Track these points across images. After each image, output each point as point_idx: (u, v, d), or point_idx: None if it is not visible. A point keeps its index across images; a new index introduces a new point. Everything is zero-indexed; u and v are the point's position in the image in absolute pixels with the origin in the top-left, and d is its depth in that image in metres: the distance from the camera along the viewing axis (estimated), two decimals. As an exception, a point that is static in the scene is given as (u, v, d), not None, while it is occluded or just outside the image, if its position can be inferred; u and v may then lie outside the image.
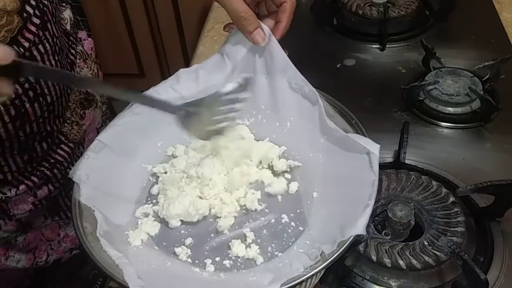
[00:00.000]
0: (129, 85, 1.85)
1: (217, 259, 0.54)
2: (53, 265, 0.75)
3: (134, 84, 1.84)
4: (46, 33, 0.61)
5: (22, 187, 0.65)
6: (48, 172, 0.68)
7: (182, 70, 0.67)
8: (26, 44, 0.58)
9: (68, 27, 0.72)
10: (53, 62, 0.63)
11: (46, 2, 0.61)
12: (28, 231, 0.71)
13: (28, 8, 0.58)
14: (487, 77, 0.84)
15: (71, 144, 0.71)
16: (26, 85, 0.60)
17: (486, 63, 0.85)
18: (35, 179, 0.67)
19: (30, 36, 0.58)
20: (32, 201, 0.67)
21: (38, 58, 0.60)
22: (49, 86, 0.63)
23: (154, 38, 2.07)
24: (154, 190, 0.61)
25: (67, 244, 0.76)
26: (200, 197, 0.58)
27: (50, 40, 0.62)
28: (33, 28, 0.59)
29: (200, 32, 1.08)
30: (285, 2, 0.58)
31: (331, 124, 0.60)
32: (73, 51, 0.72)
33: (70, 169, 0.70)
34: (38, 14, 0.59)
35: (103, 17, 1.98)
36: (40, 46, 0.61)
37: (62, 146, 0.70)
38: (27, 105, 0.61)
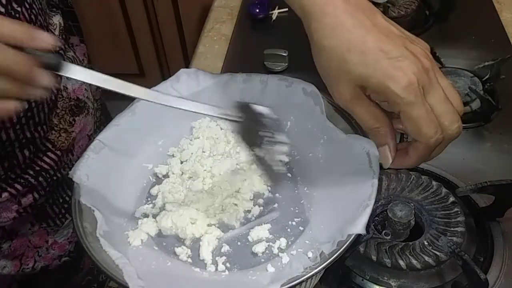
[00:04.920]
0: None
1: (217, 259, 0.54)
2: (41, 271, 0.73)
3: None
4: None
5: (4, 194, 0.63)
6: (32, 180, 0.66)
7: (182, 70, 0.67)
8: None
9: (56, 32, 0.70)
10: None
11: (19, 9, 0.58)
12: (14, 238, 0.69)
13: None
14: (487, 77, 0.84)
15: (58, 152, 0.69)
16: None
17: (486, 63, 0.85)
18: (18, 186, 0.64)
19: None
20: (16, 209, 0.65)
21: None
22: None
23: (154, 38, 2.07)
24: (154, 190, 0.61)
25: (56, 251, 0.75)
26: (195, 219, 0.56)
27: None
28: None
29: (200, 32, 1.08)
30: (419, 142, 0.47)
31: (331, 125, 0.60)
32: None
33: (57, 177, 0.69)
34: None
35: (103, 17, 1.98)
36: None
37: (49, 153, 0.68)
38: None
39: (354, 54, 0.46)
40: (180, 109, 0.49)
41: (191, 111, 0.50)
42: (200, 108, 0.50)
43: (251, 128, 0.52)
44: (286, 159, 0.54)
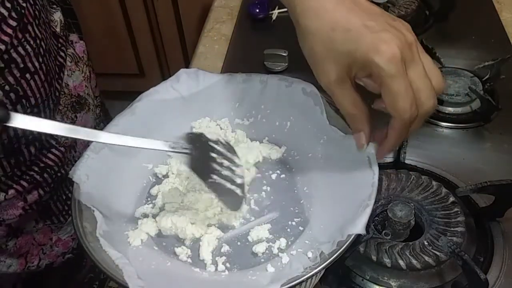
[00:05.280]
0: (129, 85, 1.84)
1: (217, 259, 0.54)
2: (46, 269, 0.74)
3: (134, 84, 1.84)
4: (27, 35, 0.60)
5: (11, 191, 0.64)
6: (38, 177, 0.66)
7: (182, 70, 0.67)
8: (3, 47, 0.57)
9: (57, 29, 0.70)
10: (36, 64, 0.61)
11: (24, 4, 0.59)
12: (19, 236, 0.70)
13: (2, 10, 0.56)
14: (487, 77, 0.84)
15: (62, 148, 0.70)
16: (7, 87, 0.58)
17: (486, 63, 0.85)
18: (24, 183, 0.65)
19: (6, 39, 0.57)
20: (22, 206, 0.66)
21: (19, 60, 0.59)
22: (33, 88, 0.62)
23: (154, 38, 2.07)
24: (154, 191, 0.61)
25: (60, 248, 0.75)
26: (195, 219, 0.57)
27: (32, 42, 0.60)
28: (9, 31, 0.57)
29: (200, 32, 1.08)
30: (394, 118, 0.48)
31: (331, 125, 0.60)
32: (62, 54, 0.71)
33: (61, 173, 0.69)
34: (15, 16, 0.57)
35: (103, 17, 1.98)
36: (20, 48, 0.59)
37: (53, 150, 0.69)
38: (10, 107, 0.59)
39: (339, 32, 0.47)
40: (133, 147, 0.52)
41: (142, 148, 0.52)
42: (151, 144, 0.52)
43: (204, 158, 0.53)
44: (240, 181, 0.54)
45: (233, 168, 0.54)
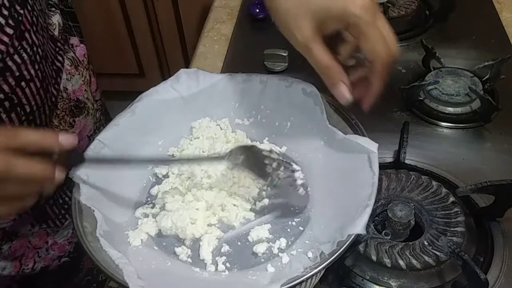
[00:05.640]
0: (129, 85, 1.83)
1: (217, 259, 0.54)
2: (41, 272, 0.73)
3: (134, 84, 1.84)
4: (24, 42, 0.58)
5: None
6: None
7: (182, 70, 0.67)
8: None
9: (56, 32, 0.69)
10: (32, 71, 0.60)
11: (22, 11, 0.58)
12: (14, 239, 0.69)
13: None
14: (487, 77, 0.84)
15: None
16: (1, 96, 0.57)
17: (486, 63, 0.85)
18: None
19: (2, 47, 0.56)
20: None
21: (14, 68, 0.58)
22: (28, 96, 0.61)
23: (154, 38, 2.07)
24: (154, 191, 0.61)
25: (55, 252, 0.74)
26: (195, 219, 0.57)
27: (29, 50, 0.59)
28: (5, 39, 0.56)
29: (200, 32, 1.08)
30: (374, 62, 0.52)
31: (331, 125, 0.60)
32: (60, 58, 0.70)
33: None
34: (12, 24, 0.56)
35: (103, 17, 1.98)
36: (16, 56, 0.58)
37: None
38: (3, 116, 0.58)
39: None
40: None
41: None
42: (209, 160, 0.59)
43: (260, 164, 0.56)
44: (300, 182, 0.58)
45: (292, 170, 0.58)
